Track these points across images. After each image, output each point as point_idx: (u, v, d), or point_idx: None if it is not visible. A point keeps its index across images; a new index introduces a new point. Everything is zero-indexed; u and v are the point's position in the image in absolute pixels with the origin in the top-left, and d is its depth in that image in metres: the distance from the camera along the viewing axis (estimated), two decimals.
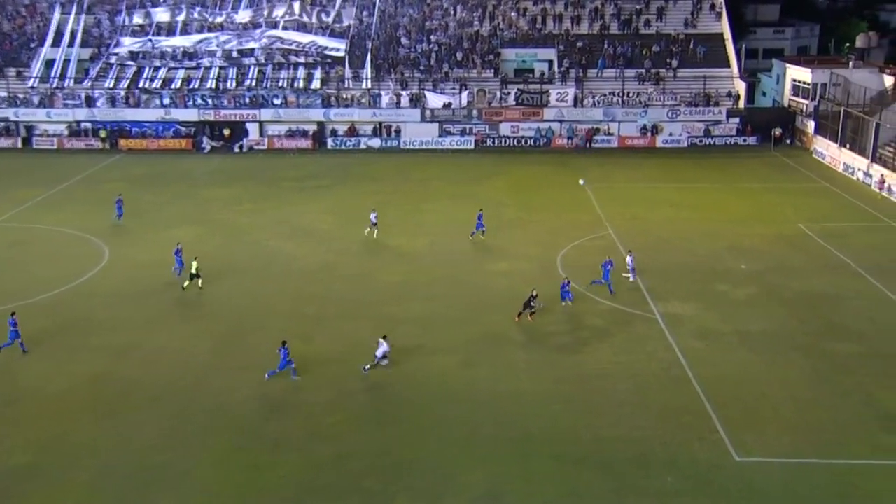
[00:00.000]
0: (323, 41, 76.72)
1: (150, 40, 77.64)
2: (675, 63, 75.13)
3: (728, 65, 75.53)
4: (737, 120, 71.81)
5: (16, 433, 27.31)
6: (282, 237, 47.36)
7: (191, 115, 72.40)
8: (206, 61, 76.04)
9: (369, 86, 73.55)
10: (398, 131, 72.12)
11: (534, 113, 71.69)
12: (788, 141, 71.66)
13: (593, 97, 72.61)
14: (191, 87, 74.14)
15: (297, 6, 79.51)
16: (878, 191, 56.06)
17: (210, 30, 78.99)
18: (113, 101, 73.11)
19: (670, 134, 71.45)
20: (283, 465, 25.56)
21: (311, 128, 72.63)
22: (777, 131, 70.91)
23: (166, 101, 72.88)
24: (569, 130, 71.33)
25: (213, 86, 74.12)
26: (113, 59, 76.55)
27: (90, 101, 72.95)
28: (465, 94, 72.40)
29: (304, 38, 76.73)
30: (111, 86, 74.49)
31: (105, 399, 29.41)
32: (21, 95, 73.78)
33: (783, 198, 55.15)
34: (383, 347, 31.06)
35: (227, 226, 49.66)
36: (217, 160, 68.10)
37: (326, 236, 47.60)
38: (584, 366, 31.81)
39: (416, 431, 27.40)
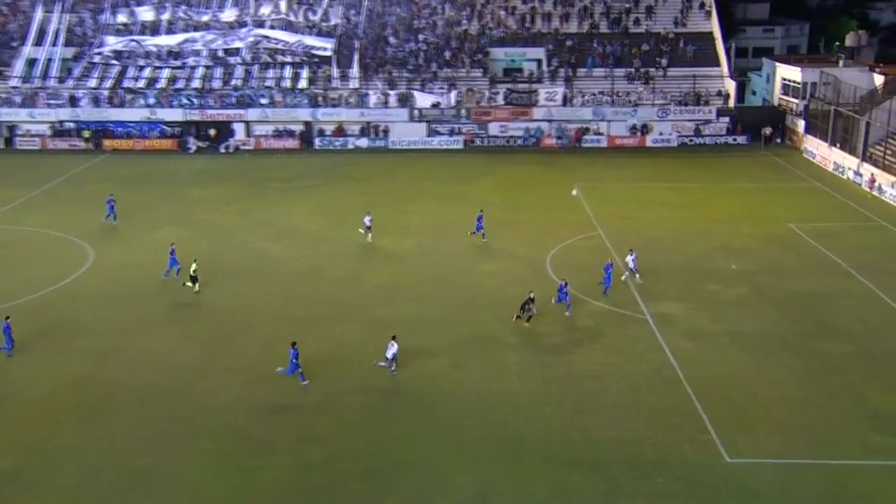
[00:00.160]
0: (310, 40, 76.31)
1: (135, 39, 76.98)
2: (664, 62, 75.10)
3: (718, 64, 75.55)
4: (727, 119, 71.79)
5: None
6: (269, 238, 47.03)
7: (176, 115, 71.81)
8: (191, 61, 75.45)
9: (357, 85, 73.18)
10: (386, 131, 71.78)
11: (523, 112, 71.50)
12: (779, 140, 71.72)
13: (583, 96, 72.50)
14: (176, 86, 73.54)
15: (283, 5, 79.17)
16: (868, 190, 56.18)
17: (195, 29, 78.33)
18: (97, 101, 72.40)
19: (660, 133, 71.38)
20: (272, 467, 25.35)
21: (299, 128, 72.18)
22: (767, 130, 70.98)
23: (151, 100, 72.26)
24: (558, 130, 71.19)
25: (199, 85, 73.52)
26: (97, 59, 75.85)
27: (73, 101, 72.22)
28: (453, 93, 72.16)
29: (291, 37, 76.32)
30: (95, 85, 73.71)
31: (90, 402, 29.13)
32: (3, 95, 72.90)
33: (773, 197, 55.18)
34: (393, 349, 30.79)
35: (213, 227, 49.24)
36: (203, 161, 67.62)
37: (314, 237, 47.30)
38: (575, 367, 31.68)
39: (406, 433, 27.26)
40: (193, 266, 38.52)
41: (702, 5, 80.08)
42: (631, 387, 30.08)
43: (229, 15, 79.20)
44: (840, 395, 29.49)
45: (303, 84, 73.54)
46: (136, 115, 71.97)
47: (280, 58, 75.29)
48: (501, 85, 73.29)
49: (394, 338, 31.09)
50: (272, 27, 77.73)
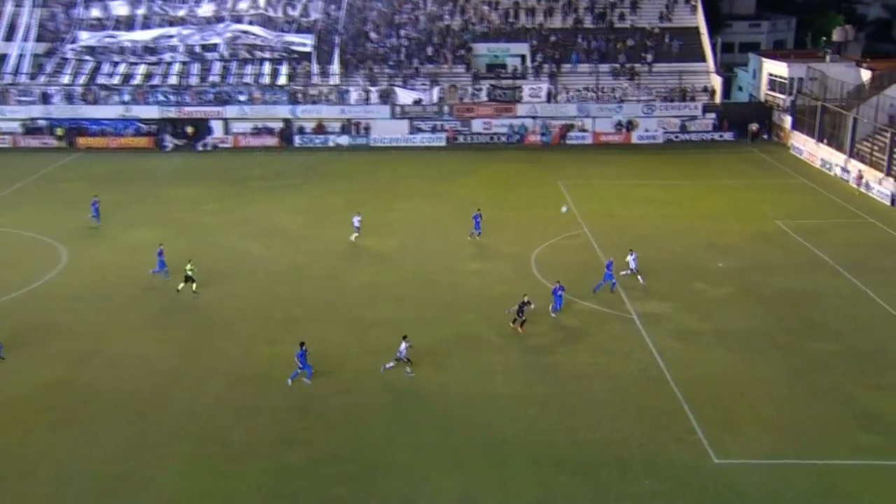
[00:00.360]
0: (289, 36, 75.61)
1: (109, 34, 75.90)
2: (650, 57, 74.90)
3: (704, 59, 75.48)
4: (713, 115, 71.61)
5: None
6: (249, 238, 46.41)
7: (152, 112, 70.77)
8: (167, 56, 74.54)
9: (337, 82, 72.57)
10: (367, 128, 71.07)
11: (506, 109, 71.09)
12: (765, 136, 71.70)
13: (567, 93, 72.15)
14: (152, 83, 72.60)
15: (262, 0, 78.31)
16: (855, 186, 56.11)
17: (171, 24, 77.48)
18: (70, 98, 71.28)
19: (646, 130, 71.10)
20: (252, 471, 24.93)
21: (278, 125, 71.34)
22: (754, 126, 70.94)
23: (126, 97, 71.21)
24: (543, 127, 70.80)
25: (176, 82, 72.64)
26: (70, 54, 74.73)
27: (46, 98, 71.08)
28: (435, 89, 71.67)
29: (270, 33, 75.58)
30: (68, 82, 72.66)
31: (65, 406, 28.57)
32: None
33: (760, 194, 55.04)
34: (403, 348, 30.31)
35: (191, 226, 48.52)
36: (180, 159, 66.74)
37: (294, 236, 46.73)
38: (561, 367, 31.36)
39: (390, 435, 26.91)
40: (189, 266, 37.82)
41: (687, 0, 79.90)
42: (617, 387, 29.79)
43: (206, 10, 78.48)
44: (828, 394, 29.32)
45: (282, 80, 72.83)
46: (111, 112, 70.86)
47: (259, 53, 74.59)
48: (485, 81, 72.90)
49: (405, 338, 30.52)
50: (251, 22, 77.04)
